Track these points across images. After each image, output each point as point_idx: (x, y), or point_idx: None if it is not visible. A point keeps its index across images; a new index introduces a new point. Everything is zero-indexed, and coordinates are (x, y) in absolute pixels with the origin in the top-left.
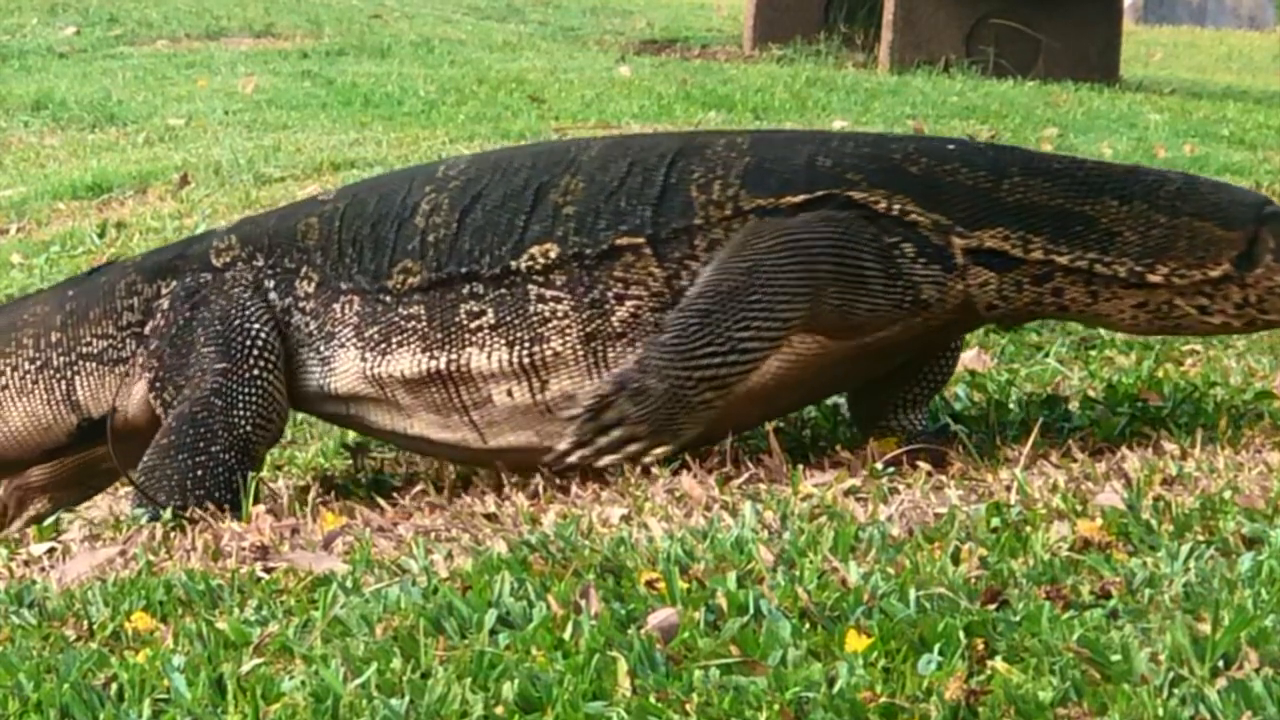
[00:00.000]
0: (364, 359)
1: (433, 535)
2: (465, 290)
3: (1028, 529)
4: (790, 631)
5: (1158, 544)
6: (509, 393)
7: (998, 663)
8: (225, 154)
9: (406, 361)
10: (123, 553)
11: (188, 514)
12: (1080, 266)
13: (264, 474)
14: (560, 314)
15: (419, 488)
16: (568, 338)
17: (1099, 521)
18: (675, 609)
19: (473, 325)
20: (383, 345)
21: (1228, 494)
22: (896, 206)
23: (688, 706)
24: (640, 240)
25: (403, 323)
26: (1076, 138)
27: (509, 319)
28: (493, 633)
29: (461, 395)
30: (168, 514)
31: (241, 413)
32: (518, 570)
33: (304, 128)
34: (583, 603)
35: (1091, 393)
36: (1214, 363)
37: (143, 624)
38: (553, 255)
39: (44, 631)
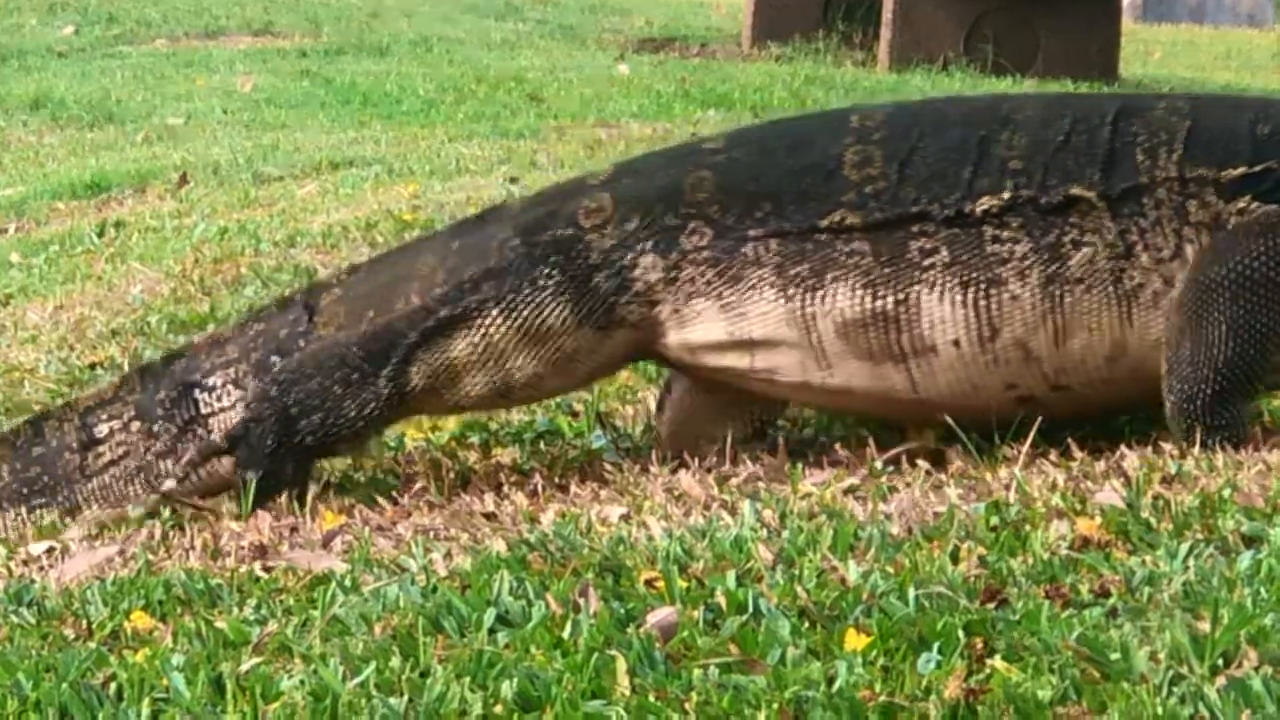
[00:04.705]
0: (787, 297)
1: (432, 534)
2: (915, 229)
3: (1027, 528)
4: (789, 630)
5: (1157, 542)
6: (955, 342)
7: (997, 661)
8: (224, 153)
9: (845, 300)
10: (121, 552)
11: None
12: None
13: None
14: (1019, 255)
15: (418, 486)
16: (1027, 280)
17: (1098, 520)
18: (674, 608)
19: (925, 263)
20: (813, 282)
21: (1227, 492)
22: None
23: (687, 705)
24: (1093, 195)
25: (843, 259)
26: None
27: (964, 258)
28: (491, 631)
29: (902, 341)
30: (167, 514)
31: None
32: (517, 569)
33: (303, 126)
34: (582, 601)
35: None
36: None
37: (142, 623)
38: (1005, 198)
39: (43, 631)
